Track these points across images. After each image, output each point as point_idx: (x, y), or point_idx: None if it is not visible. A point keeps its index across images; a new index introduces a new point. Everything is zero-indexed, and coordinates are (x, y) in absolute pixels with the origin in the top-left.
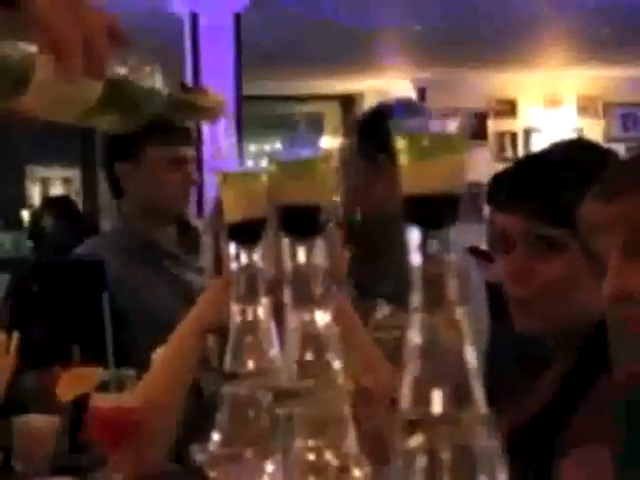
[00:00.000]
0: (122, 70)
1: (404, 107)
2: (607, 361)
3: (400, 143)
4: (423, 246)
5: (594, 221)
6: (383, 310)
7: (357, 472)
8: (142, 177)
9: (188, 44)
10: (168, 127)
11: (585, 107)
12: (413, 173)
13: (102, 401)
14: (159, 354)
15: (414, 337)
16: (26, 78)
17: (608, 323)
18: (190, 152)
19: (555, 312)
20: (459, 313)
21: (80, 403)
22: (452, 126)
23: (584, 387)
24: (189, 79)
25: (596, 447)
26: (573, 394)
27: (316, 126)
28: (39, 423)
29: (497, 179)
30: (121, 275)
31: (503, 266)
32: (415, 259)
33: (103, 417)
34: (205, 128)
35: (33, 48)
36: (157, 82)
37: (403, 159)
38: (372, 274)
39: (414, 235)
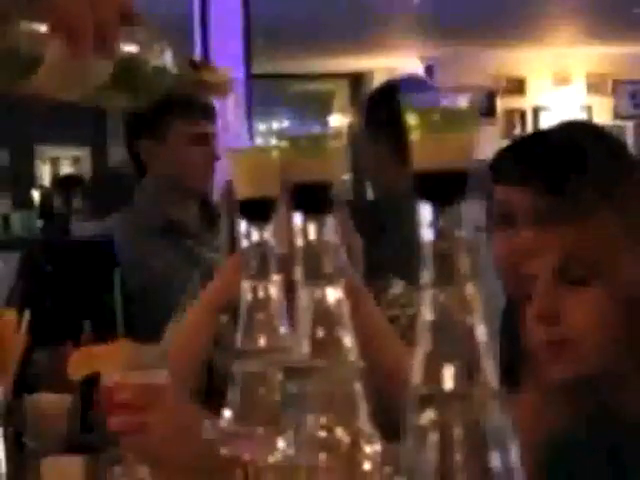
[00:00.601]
0: (132, 49)
1: (411, 83)
2: None
3: (411, 118)
4: (434, 222)
5: (528, 245)
6: (395, 288)
7: (368, 448)
8: (166, 154)
9: (197, 21)
10: (191, 103)
11: (594, 85)
12: (424, 148)
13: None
14: (172, 329)
15: (425, 313)
16: (37, 58)
17: (530, 342)
18: (212, 128)
19: None
20: (470, 289)
21: (92, 381)
22: (463, 101)
23: None
24: (198, 56)
25: None
26: None
27: (326, 104)
28: (50, 402)
29: (505, 154)
30: (142, 254)
31: (504, 240)
32: (426, 235)
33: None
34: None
35: (44, 28)
36: (167, 60)
37: (414, 134)
38: (382, 252)
39: (424, 211)
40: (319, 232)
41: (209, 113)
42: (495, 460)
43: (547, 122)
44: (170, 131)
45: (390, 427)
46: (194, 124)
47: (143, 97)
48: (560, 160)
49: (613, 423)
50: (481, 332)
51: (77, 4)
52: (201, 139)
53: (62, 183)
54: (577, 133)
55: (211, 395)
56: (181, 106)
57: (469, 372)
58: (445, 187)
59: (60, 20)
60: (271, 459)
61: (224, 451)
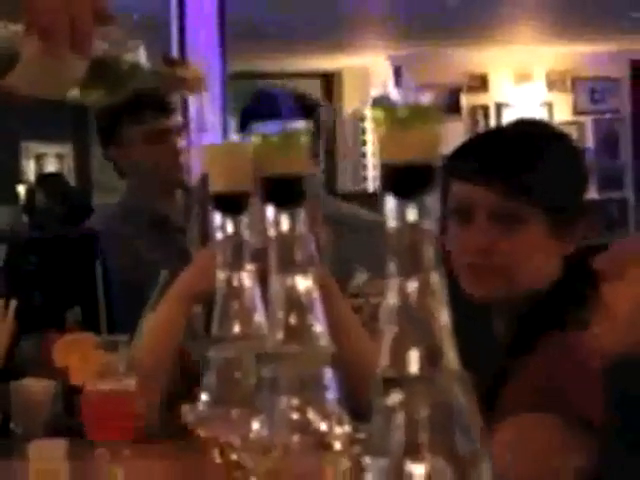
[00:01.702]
0: (106, 47)
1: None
2: (546, 329)
3: (377, 115)
4: (399, 214)
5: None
6: (359, 278)
7: (338, 429)
8: (128, 156)
9: (174, 20)
10: (138, 103)
11: (554, 82)
12: (390, 143)
13: (96, 387)
14: (148, 319)
15: (391, 300)
16: (13, 55)
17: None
18: (168, 122)
19: (506, 280)
20: (434, 277)
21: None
22: (427, 98)
23: (525, 352)
24: (174, 54)
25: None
26: (515, 357)
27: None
28: (36, 387)
29: (461, 151)
30: (129, 248)
31: (461, 236)
32: (391, 226)
33: (96, 403)
34: (191, 104)
35: (19, 27)
36: (141, 57)
37: (380, 130)
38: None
39: (390, 203)
40: (291, 224)
41: (159, 108)
42: (459, 439)
43: (509, 118)
44: (123, 134)
45: (357, 410)
46: (144, 123)
47: (118, 92)
48: (515, 158)
49: None
50: (444, 318)
51: (52, 4)
52: (156, 136)
53: (44, 180)
54: (533, 132)
55: (184, 380)
56: (128, 108)
57: (433, 356)
58: (410, 180)
59: (35, 18)
60: (246, 440)
61: (201, 432)
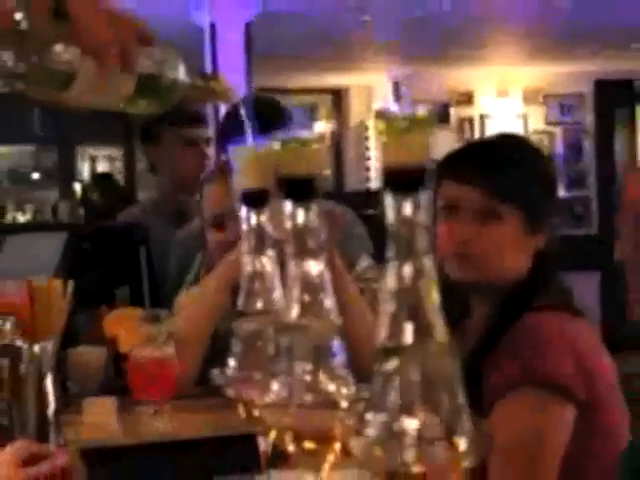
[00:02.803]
0: (150, 64)
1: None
2: (519, 312)
3: (379, 125)
4: (397, 208)
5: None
6: (363, 263)
7: (344, 389)
8: (163, 154)
9: (207, 47)
10: (180, 112)
11: (529, 97)
12: (390, 149)
13: (140, 354)
14: (184, 298)
15: (390, 282)
16: (71, 76)
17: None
18: (201, 132)
19: (485, 268)
20: (426, 262)
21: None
22: (422, 110)
23: (502, 332)
24: (208, 70)
25: (532, 389)
26: (494, 338)
27: (311, 114)
28: (89, 353)
29: (451, 157)
30: (160, 237)
31: (448, 229)
32: (390, 219)
33: (140, 367)
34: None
35: (77, 51)
36: (180, 73)
37: (382, 137)
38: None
39: (389, 199)
40: (305, 216)
41: (197, 120)
42: (445, 397)
43: (491, 128)
44: (163, 136)
45: (361, 375)
46: (183, 129)
47: (160, 104)
48: (495, 164)
49: None
50: (434, 296)
51: (105, 32)
52: (190, 142)
53: (97, 179)
54: (511, 143)
55: (214, 350)
56: (171, 114)
57: (424, 329)
58: (406, 180)
59: (91, 46)
60: (267, 399)
61: (229, 392)
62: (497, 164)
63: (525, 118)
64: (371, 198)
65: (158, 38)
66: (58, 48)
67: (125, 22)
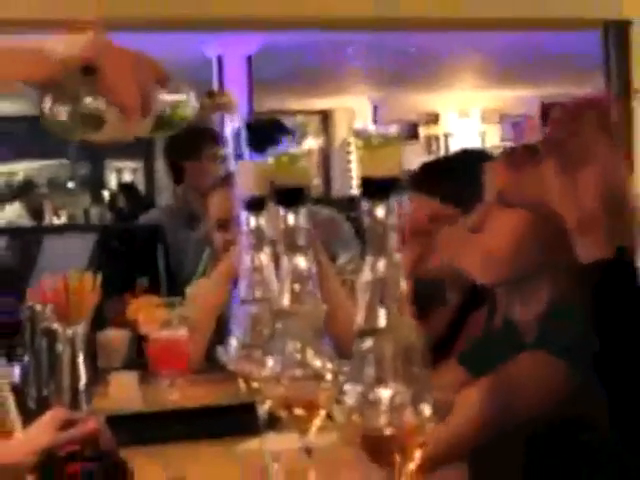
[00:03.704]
0: (166, 101)
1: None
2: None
3: (358, 143)
4: (372, 212)
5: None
6: (343, 258)
7: (328, 365)
8: (201, 169)
9: (215, 76)
10: (212, 133)
11: (487, 117)
12: (366, 162)
13: (158, 335)
14: (194, 288)
15: (365, 274)
16: (99, 122)
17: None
18: (219, 150)
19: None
20: (396, 257)
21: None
22: (394, 129)
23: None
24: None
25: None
26: (461, 321)
27: (302, 132)
28: (115, 335)
29: (420, 169)
30: (175, 236)
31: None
32: (367, 220)
33: (158, 346)
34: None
35: (103, 103)
36: (191, 100)
37: (359, 152)
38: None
39: (366, 204)
40: (295, 219)
41: (219, 140)
42: (413, 370)
43: (454, 144)
44: (202, 153)
45: (342, 352)
46: (215, 147)
47: (175, 130)
48: (459, 178)
49: None
50: (403, 286)
51: (128, 86)
52: (211, 158)
53: (122, 188)
54: (474, 159)
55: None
56: (206, 135)
57: (395, 314)
58: (380, 189)
59: (115, 98)
60: (263, 373)
61: (232, 367)
62: (455, 175)
63: (483, 135)
64: (354, 203)
65: (172, 74)
66: (87, 100)
67: (145, 65)
